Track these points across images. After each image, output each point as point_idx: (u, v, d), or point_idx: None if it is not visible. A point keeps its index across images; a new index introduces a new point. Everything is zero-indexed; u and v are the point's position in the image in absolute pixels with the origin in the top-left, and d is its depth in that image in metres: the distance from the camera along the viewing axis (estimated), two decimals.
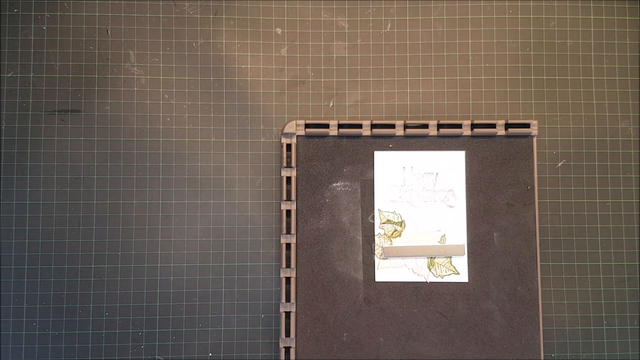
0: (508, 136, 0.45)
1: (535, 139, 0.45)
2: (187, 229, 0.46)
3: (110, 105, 0.47)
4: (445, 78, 0.47)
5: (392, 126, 0.45)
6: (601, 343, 0.46)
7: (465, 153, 0.45)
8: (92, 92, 0.47)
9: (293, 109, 0.47)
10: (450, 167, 0.45)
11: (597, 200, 0.47)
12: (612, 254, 0.46)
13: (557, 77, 0.47)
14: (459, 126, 0.45)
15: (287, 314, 0.44)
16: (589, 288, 0.46)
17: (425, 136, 0.45)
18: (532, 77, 0.47)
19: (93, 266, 0.46)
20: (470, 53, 0.47)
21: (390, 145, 0.45)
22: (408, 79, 0.47)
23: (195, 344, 0.45)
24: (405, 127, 0.45)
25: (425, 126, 0.45)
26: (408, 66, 0.47)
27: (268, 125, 0.47)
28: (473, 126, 0.45)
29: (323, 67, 0.47)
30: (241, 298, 0.46)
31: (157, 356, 0.45)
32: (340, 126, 0.45)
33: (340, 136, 0.45)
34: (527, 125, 0.45)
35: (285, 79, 0.47)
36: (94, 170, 0.46)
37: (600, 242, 0.46)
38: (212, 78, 0.47)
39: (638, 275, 0.46)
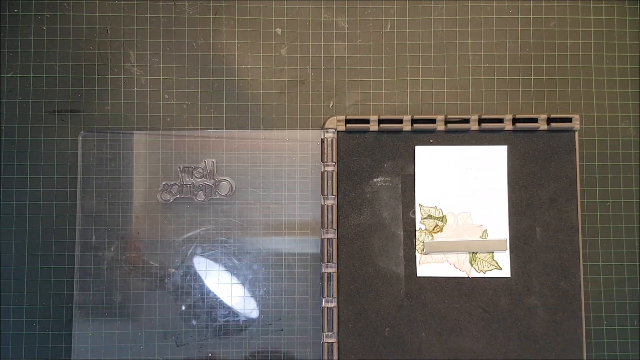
0: (550, 130, 0.45)
1: (577, 134, 0.44)
2: None
3: (110, 105, 0.47)
4: (445, 78, 0.47)
5: (433, 121, 0.45)
6: (601, 343, 0.46)
7: (507, 148, 0.45)
8: (92, 92, 0.47)
9: (293, 109, 0.47)
10: (492, 161, 0.44)
11: (597, 200, 0.47)
12: (612, 254, 0.46)
13: (557, 77, 0.47)
14: (501, 121, 0.45)
15: (330, 309, 0.43)
16: (589, 288, 0.46)
17: (467, 131, 0.45)
18: (532, 77, 0.47)
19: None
20: (470, 53, 0.47)
21: (431, 140, 0.45)
22: (408, 79, 0.47)
23: (195, 344, 0.45)
24: (446, 122, 0.45)
25: (467, 121, 0.45)
26: (408, 66, 0.47)
27: (268, 126, 0.47)
28: (515, 121, 0.45)
29: (323, 67, 0.47)
30: None
31: (157, 356, 0.45)
32: (380, 121, 0.45)
33: (380, 131, 0.45)
34: (569, 120, 0.44)
35: (285, 79, 0.47)
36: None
37: (600, 242, 0.46)
38: (212, 78, 0.47)
39: (638, 275, 0.46)
